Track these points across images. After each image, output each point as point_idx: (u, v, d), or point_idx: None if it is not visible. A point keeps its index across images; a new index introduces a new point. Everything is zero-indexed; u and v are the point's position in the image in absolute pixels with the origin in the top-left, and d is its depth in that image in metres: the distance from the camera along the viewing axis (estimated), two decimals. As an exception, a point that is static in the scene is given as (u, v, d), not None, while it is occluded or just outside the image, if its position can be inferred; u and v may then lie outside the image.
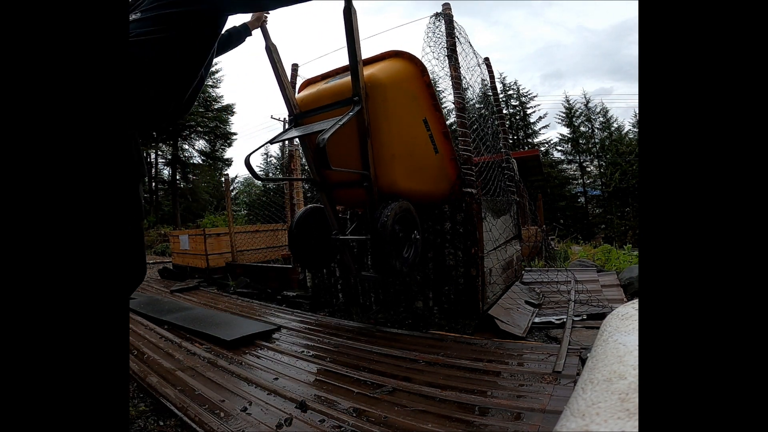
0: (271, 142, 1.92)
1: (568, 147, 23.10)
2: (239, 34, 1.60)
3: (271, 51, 1.92)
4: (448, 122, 2.22)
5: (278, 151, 23.18)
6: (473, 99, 2.87)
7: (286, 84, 1.95)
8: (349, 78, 1.80)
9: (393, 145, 1.84)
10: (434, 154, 2.05)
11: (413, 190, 1.96)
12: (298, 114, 1.98)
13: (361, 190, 1.88)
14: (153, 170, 17.92)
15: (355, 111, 1.68)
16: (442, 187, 2.19)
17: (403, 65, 1.91)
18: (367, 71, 1.80)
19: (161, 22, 1.18)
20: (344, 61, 1.82)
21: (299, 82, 2.56)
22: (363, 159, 1.79)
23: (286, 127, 1.99)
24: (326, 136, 1.50)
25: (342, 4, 1.65)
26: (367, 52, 1.87)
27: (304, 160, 2.22)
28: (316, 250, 2.13)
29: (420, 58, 2.02)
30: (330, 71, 2.13)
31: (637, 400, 0.44)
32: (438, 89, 2.39)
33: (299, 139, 2.02)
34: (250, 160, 1.70)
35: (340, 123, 1.60)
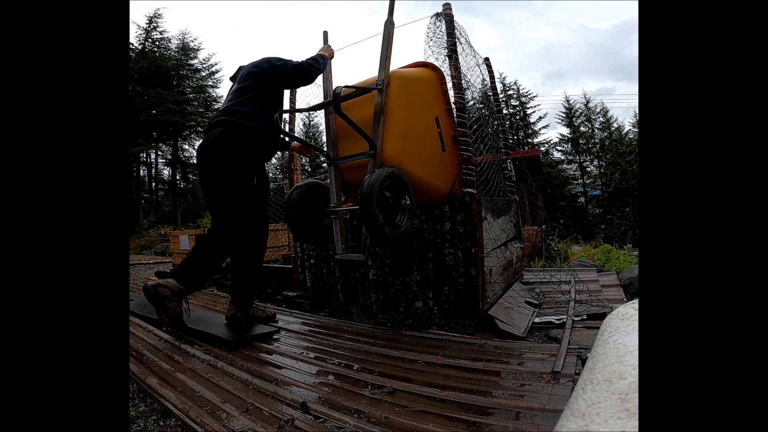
0: (310, 109, 2.43)
1: (568, 147, 23.11)
2: None
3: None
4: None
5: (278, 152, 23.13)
6: (473, 99, 2.87)
7: (329, 78, 2.36)
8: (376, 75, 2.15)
9: (403, 126, 2.07)
10: (441, 152, 2.20)
11: (415, 175, 2.07)
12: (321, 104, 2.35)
13: (365, 172, 1.99)
14: (153, 170, 17.94)
15: (376, 89, 2.04)
16: (442, 186, 2.23)
17: (426, 71, 2.27)
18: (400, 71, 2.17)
19: (261, 89, 2.07)
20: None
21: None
22: (373, 132, 2.03)
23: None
24: (342, 86, 1.89)
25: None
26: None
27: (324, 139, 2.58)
28: (315, 225, 2.27)
29: (425, 60, 2.33)
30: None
31: (637, 400, 0.44)
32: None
33: (326, 117, 2.36)
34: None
35: (356, 85, 2.07)
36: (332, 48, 2.40)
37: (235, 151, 1.98)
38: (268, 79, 2.09)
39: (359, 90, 2.06)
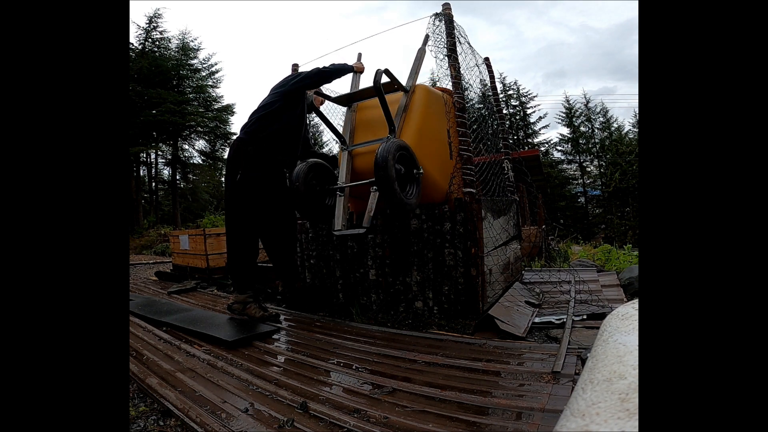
0: (339, 99, 2.60)
1: (568, 147, 23.10)
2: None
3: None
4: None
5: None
6: (473, 99, 2.88)
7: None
8: (397, 94, 2.40)
9: (421, 123, 2.31)
10: (448, 157, 2.43)
11: (424, 166, 2.20)
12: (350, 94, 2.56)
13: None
14: (153, 170, 17.93)
15: (403, 91, 2.34)
16: (446, 186, 2.30)
17: (446, 95, 2.55)
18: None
19: (289, 97, 2.45)
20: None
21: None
22: (396, 121, 2.21)
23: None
24: (383, 69, 2.10)
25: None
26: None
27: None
28: (321, 203, 2.39)
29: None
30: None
31: (637, 400, 0.44)
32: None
33: (348, 116, 2.58)
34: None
35: (392, 75, 2.22)
36: (363, 65, 2.78)
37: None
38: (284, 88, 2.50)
39: (392, 80, 2.25)
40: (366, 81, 2.78)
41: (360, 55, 2.91)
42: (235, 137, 2.53)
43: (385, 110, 2.09)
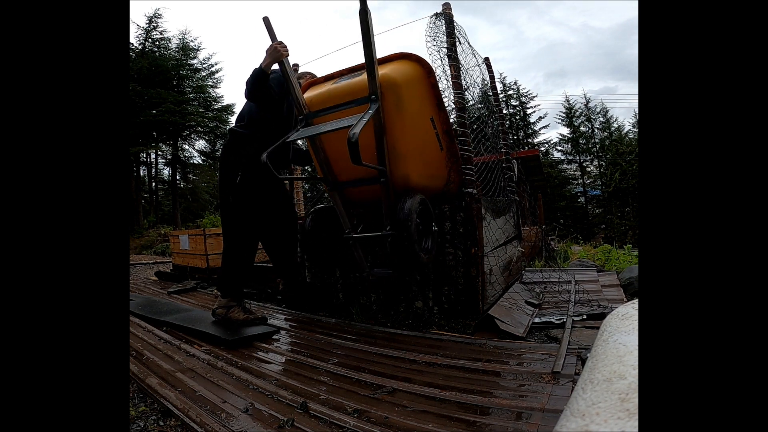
0: (287, 140, 1.94)
1: (568, 147, 23.10)
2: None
3: (283, 63, 1.98)
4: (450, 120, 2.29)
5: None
6: (473, 99, 2.87)
7: (294, 84, 1.95)
8: (360, 78, 1.85)
9: (406, 143, 1.91)
10: (440, 151, 2.12)
11: (423, 186, 2.04)
12: (309, 114, 1.98)
13: (371, 188, 1.96)
14: (153, 170, 17.93)
15: (374, 109, 1.70)
16: (442, 185, 2.24)
17: (412, 67, 1.95)
18: (380, 71, 1.81)
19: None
20: (343, 61, 2.07)
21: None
22: (380, 156, 1.84)
23: (298, 127, 2.02)
24: (357, 130, 1.50)
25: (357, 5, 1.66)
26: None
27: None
28: (329, 251, 2.24)
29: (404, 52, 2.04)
30: (335, 72, 2.16)
31: (637, 400, 0.44)
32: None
33: (310, 139, 2.02)
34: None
35: (365, 119, 1.61)
36: (280, 46, 1.95)
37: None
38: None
39: (349, 103, 1.81)
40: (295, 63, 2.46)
41: (267, 21, 1.94)
42: (229, 129, 2.42)
43: (370, 167, 1.76)
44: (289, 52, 1.99)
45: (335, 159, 2.06)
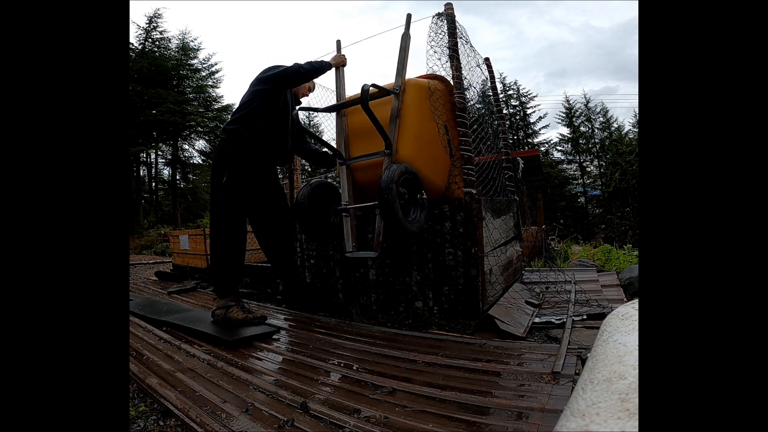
0: (328, 109, 2.47)
1: (568, 147, 23.10)
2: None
3: (341, 68, 2.56)
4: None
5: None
6: (474, 99, 2.87)
7: (342, 83, 2.54)
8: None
9: (417, 129, 2.22)
10: (448, 157, 2.35)
11: (426, 176, 2.19)
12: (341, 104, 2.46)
13: (377, 172, 2.10)
14: (153, 170, 17.93)
15: (393, 94, 2.19)
16: (441, 183, 2.30)
17: (438, 82, 2.40)
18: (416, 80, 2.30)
19: (263, 95, 2.30)
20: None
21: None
22: (389, 133, 2.14)
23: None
24: (369, 85, 1.97)
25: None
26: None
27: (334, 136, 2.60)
28: (324, 223, 2.41)
29: (426, 59, 2.43)
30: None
31: (637, 400, 0.44)
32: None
33: (338, 114, 2.48)
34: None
35: (380, 87, 2.12)
36: (344, 56, 2.56)
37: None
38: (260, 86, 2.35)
39: (381, 91, 2.16)
40: (350, 73, 2.70)
41: (339, 43, 2.65)
42: (222, 128, 2.45)
43: (378, 127, 2.03)
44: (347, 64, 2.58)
45: (354, 134, 2.42)
